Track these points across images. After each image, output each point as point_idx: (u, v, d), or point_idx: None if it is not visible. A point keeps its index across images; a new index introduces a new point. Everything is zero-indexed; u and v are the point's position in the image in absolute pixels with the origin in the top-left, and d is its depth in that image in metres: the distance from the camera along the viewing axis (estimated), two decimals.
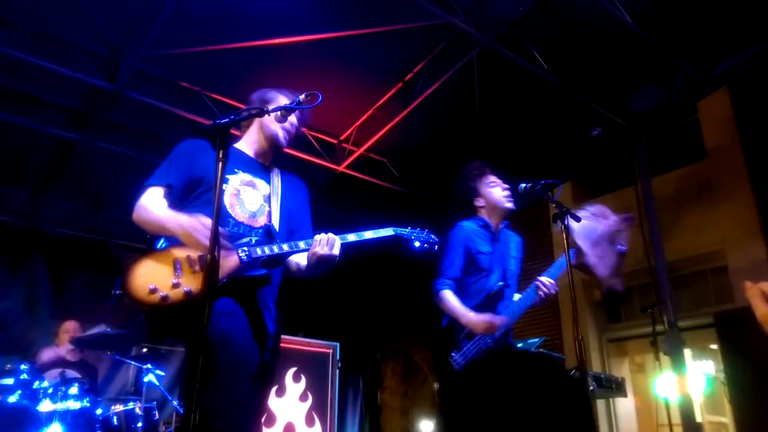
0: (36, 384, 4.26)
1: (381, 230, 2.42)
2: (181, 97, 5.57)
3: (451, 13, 4.79)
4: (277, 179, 2.52)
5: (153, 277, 2.07)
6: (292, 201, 2.53)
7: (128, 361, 4.74)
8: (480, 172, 3.32)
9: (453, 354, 2.96)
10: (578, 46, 5.32)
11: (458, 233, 3.21)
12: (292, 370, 5.00)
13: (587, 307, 7.10)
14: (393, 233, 2.46)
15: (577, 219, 2.89)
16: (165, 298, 2.03)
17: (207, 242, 1.99)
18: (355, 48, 5.29)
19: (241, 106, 5.87)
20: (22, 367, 4.31)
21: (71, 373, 4.73)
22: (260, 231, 2.34)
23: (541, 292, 3.00)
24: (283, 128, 2.48)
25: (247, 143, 2.55)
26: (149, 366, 4.58)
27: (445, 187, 7.41)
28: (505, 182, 3.26)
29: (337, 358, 5.18)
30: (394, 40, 5.24)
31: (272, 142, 2.50)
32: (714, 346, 6.39)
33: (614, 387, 4.58)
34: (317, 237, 2.31)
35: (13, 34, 4.76)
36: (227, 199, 2.30)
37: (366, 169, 6.81)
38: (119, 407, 4.35)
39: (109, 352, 4.71)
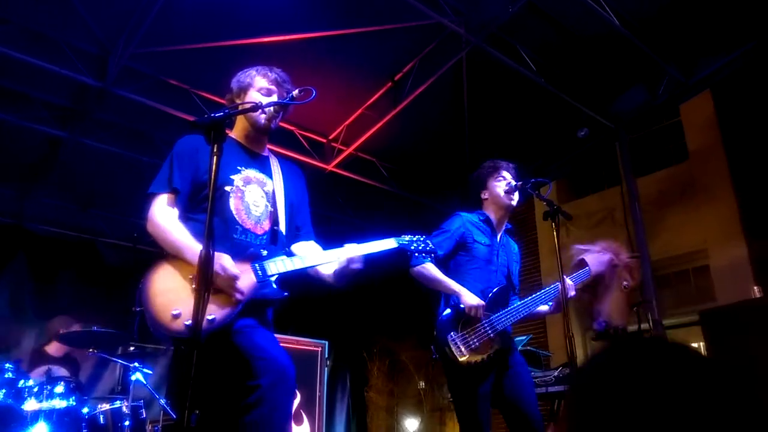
0: (21, 383, 4.21)
1: (384, 241, 2.38)
2: (169, 94, 5.54)
3: (441, 13, 4.83)
4: (277, 171, 2.46)
5: (175, 297, 2.01)
6: (294, 195, 2.48)
7: (115, 359, 4.70)
8: (494, 166, 3.32)
9: (452, 334, 2.87)
10: (566, 48, 5.39)
11: (455, 220, 3.19)
12: None
13: (571, 306, 7.18)
14: (396, 245, 2.42)
15: (569, 217, 2.93)
16: (189, 326, 1.92)
17: (222, 283, 2.00)
18: (345, 47, 5.30)
19: None
20: (7, 365, 4.26)
21: (57, 372, 4.68)
22: (266, 236, 2.30)
23: (559, 289, 2.90)
24: (268, 119, 2.37)
25: (239, 132, 2.47)
26: (136, 364, 4.54)
27: (433, 187, 7.47)
28: (515, 183, 3.24)
29: (326, 356, 5.18)
30: (384, 39, 5.26)
31: (256, 128, 2.41)
32: (695, 344, 6.51)
33: None
34: (347, 253, 2.26)
35: (1, 31, 4.71)
36: (233, 204, 2.25)
37: (355, 168, 6.82)
38: (106, 406, 4.30)
39: (94, 350, 4.66)
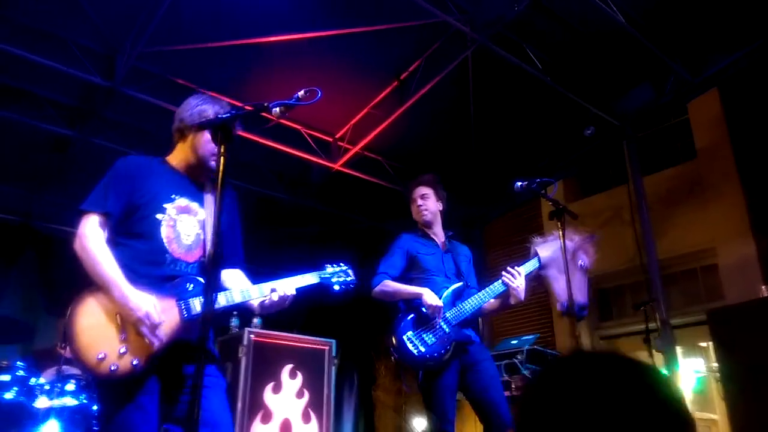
0: (32, 380, 4.26)
1: (307, 276, 2.44)
2: (176, 94, 5.55)
3: (446, 11, 4.83)
4: (210, 199, 2.42)
5: (100, 338, 2.02)
6: (226, 222, 2.44)
7: None
8: (408, 190, 3.60)
9: (409, 334, 3.08)
10: (572, 46, 5.38)
11: (398, 240, 3.44)
12: (289, 366, 5.01)
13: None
14: (318, 280, 2.48)
15: (575, 216, 2.95)
16: (114, 370, 1.99)
17: (144, 331, 2.02)
18: (351, 46, 5.31)
19: (237, 103, 5.87)
20: (19, 363, 4.31)
21: (68, 370, 4.73)
22: (195, 266, 2.29)
23: (506, 280, 3.10)
24: (213, 155, 2.35)
25: (179, 159, 2.42)
26: None
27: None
28: (424, 200, 3.52)
29: (333, 355, 5.20)
30: (389, 38, 5.27)
31: (203, 164, 2.39)
32: (704, 344, 6.48)
33: None
34: (271, 289, 2.31)
35: (9, 30, 4.75)
36: (164, 232, 2.24)
37: (361, 167, 6.84)
38: None
39: None
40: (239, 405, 4.62)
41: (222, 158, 1.81)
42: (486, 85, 5.73)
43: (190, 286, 2.22)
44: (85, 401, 4.20)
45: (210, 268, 1.73)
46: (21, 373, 4.23)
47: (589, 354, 1.00)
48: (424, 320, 3.10)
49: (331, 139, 6.73)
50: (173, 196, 2.31)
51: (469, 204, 7.95)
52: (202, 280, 2.24)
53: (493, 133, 6.41)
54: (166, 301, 2.13)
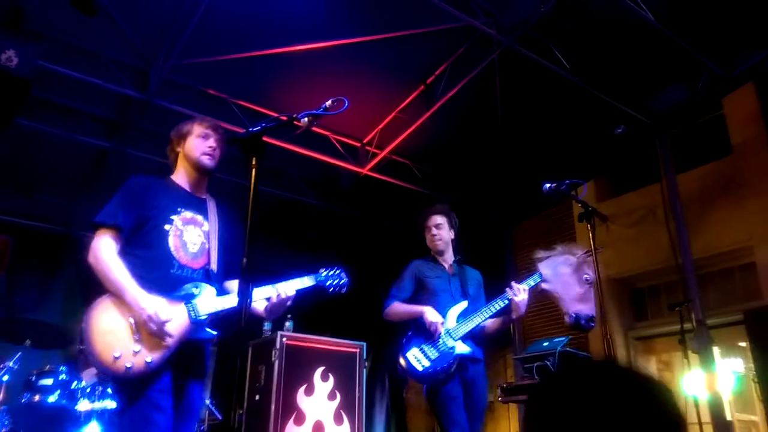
0: (74, 384, 4.39)
1: (305, 279, 2.58)
2: (208, 104, 5.72)
3: (472, 15, 4.84)
4: (213, 212, 2.61)
5: (115, 339, 2.15)
6: (228, 234, 2.61)
7: None
8: (422, 219, 3.65)
9: (414, 349, 3.26)
10: (600, 45, 5.33)
11: (408, 266, 3.62)
12: (320, 369, 5.07)
13: (614, 306, 7.08)
14: (314, 282, 2.62)
15: (604, 218, 2.94)
16: (129, 369, 2.12)
17: (153, 328, 2.17)
18: (378, 52, 5.37)
19: (267, 112, 6.00)
20: (61, 368, 4.46)
21: None
22: (200, 272, 2.45)
23: (510, 295, 3.21)
24: (204, 153, 2.56)
25: (181, 176, 2.62)
26: None
27: (467, 189, 7.47)
28: (438, 229, 3.60)
29: (364, 357, 5.24)
30: (415, 43, 5.31)
31: (198, 168, 2.58)
32: (743, 344, 6.33)
33: None
34: (275, 291, 2.45)
35: (47, 48, 4.93)
36: (172, 242, 2.40)
37: (389, 171, 6.88)
38: None
39: None
40: (272, 407, 4.69)
41: (254, 170, 1.87)
42: (513, 87, 5.72)
43: (197, 290, 2.37)
44: None
45: (243, 274, 1.80)
46: (63, 377, 4.37)
47: (588, 364, 1.04)
48: (428, 337, 3.25)
49: (359, 144, 6.80)
50: (179, 209, 2.48)
51: (498, 205, 7.93)
52: (207, 285, 2.39)
53: (521, 135, 6.39)
54: (175, 304, 2.28)
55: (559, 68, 5.35)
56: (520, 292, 3.19)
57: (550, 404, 0.88)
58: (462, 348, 3.22)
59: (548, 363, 4.67)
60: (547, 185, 3.21)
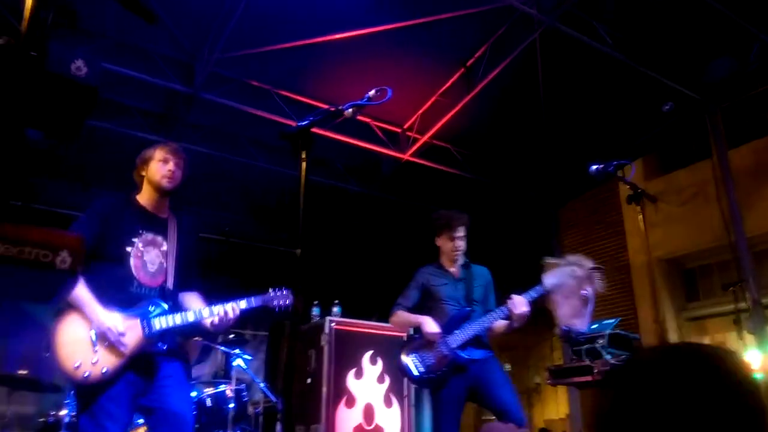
0: None
1: (252, 299, 2.79)
2: (252, 96, 5.83)
3: None
4: (173, 231, 2.80)
5: (76, 349, 2.40)
6: (184, 252, 2.81)
7: (217, 346, 5.05)
8: (447, 225, 3.65)
9: (412, 354, 3.40)
10: (645, 20, 5.19)
11: (416, 274, 3.72)
12: (369, 353, 5.17)
13: (664, 287, 6.95)
14: (261, 303, 2.85)
15: (653, 200, 2.89)
16: (87, 377, 2.37)
17: (111, 339, 2.40)
18: (416, 37, 5.36)
19: (309, 101, 6.08)
20: None
21: None
22: (157, 290, 2.65)
23: (510, 307, 3.30)
24: (164, 176, 2.72)
25: (145, 197, 2.79)
26: (237, 351, 4.85)
27: (509, 171, 7.41)
28: (463, 239, 3.63)
29: None
30: (454, 26, 5.27)
31: (159, 190, 2.74)
32: None
33: None
34: (216, 309, 2.68)
35: (96, 46, 5.11)
36: (133, 262, 2.61)
37: (430, 156, 6.88)
38: (211, 389, 4.64)
39: (199, 338, 5.03)
40: (324, 390, 4.82)
41: (303, 163, 1.93)
42: (555, 67, 5.61)
43: (153, 308, 2.60)
44: None
45: (296, 265, 1.88)
46: None
47: (668, 347, 1.03)
48: (427, 344, 3.39)
49: (399, 130, 6.81)
50: (141, 231, 2.69)
51: (542, 187, 7.83)
52: (163, 303, 2.63)
53: (564, 116, 6.28)
54: (132, 320, 2.51)
55: (603, 45, 5.23)
56: (519, 306, 3.28)
57: (630, 390, 0.89)
58: (458, 354, 3.36)
59: (598, 345, 4.63)
60: (594, 167, 3.17)
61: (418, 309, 3.63)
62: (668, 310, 6.93)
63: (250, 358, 4.94)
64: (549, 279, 3.31)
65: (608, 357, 4.56)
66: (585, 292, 3.23)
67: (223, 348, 5.02)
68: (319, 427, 4.80)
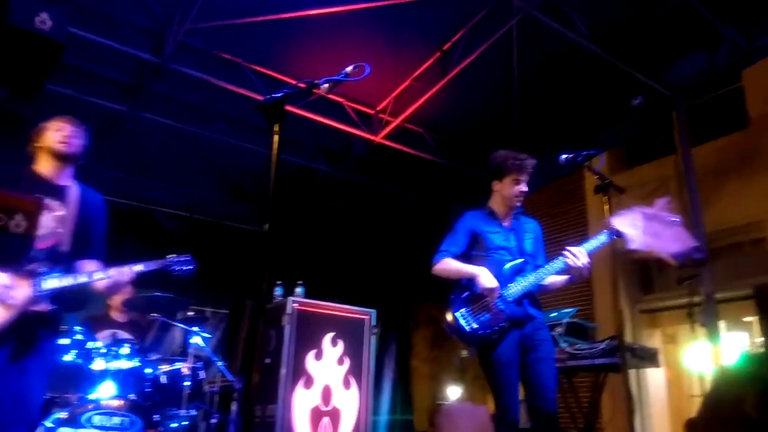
0: (89, 344, 4.47)
1: (150, 262, 2.84)
2: (223, 68, 5.69)
3: None
4: (74, 199, 2.83)
5: None
6: (86, 222, 2.85)
7: (175, 323, 4.96)
8: (519, 166, 3.34)
9: (463, 310, 3.09)
10: (620, 14, 5.24)
11: (463, 219, 3.37)
12: (330, 334, 5.14)
13: (620, 279, 7.10)
14: (159, 266, 2.88)
15: (621, 190, 2.92)
16: None
17: (4, 298, 2.44)
18: (393, 17, 5.30)
19: (281, 77, 5.96)
20: (77, 328, 4.54)
21: (122, 335, 4.97)
22: (45, 252, 2.67)
23: (569, 261, 2.98)
24: (59, 141, 2.77)
25: (42, 166, 2.83)
26: (196, 329, 4.78)
27: (482, 158, 7.43)
28: (526, 185, 3.35)
29: (374, 324, 5.31)
30: (432, 8, 5.23)
31: (56, 155, 2.79)
32: (748, 319, 6.35)
33: (647, 357, 4.62)
34: (110, 272, 2.74)
35: (63, 9, 4.89)
36: None
37: (403, 139, 6.85)
38: (167, 367, 4.56)
39: (157, 315, 4.93)
40: (283, 371, 4.78)
41: (276, 137, 1.89)
42: (531, 55, 5.64)
43: (41, 268, 2.64)
44: (138, 364, 4.40)
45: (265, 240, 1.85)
46: (79, 336, 4.44)
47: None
48: (479, 298, 3.08)
49: (372, 112, 6.76)
50: (36, 197, 2.65)
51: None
52: (52, 264, 2.65)
53: (537, 104, 6.32)
54: (21, 279, 2.55)
55: (579, 36, 5.26)
56: (578, 257, 2.96)
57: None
58: (515, 309, 3.06)
59: (556, 334, 4.72)
60: (564, 156, 3.12)
61: (464, 257, 3.27)
62: (623, 302, 7.11)
63: (209, 336, 4.87)
64: (623, 226, 2.98)
65: (564, 345, 4.66)
66: (674, 219, 2.96)
67: (181, 325, 4.93)
68: (276, 408, 4.78)
